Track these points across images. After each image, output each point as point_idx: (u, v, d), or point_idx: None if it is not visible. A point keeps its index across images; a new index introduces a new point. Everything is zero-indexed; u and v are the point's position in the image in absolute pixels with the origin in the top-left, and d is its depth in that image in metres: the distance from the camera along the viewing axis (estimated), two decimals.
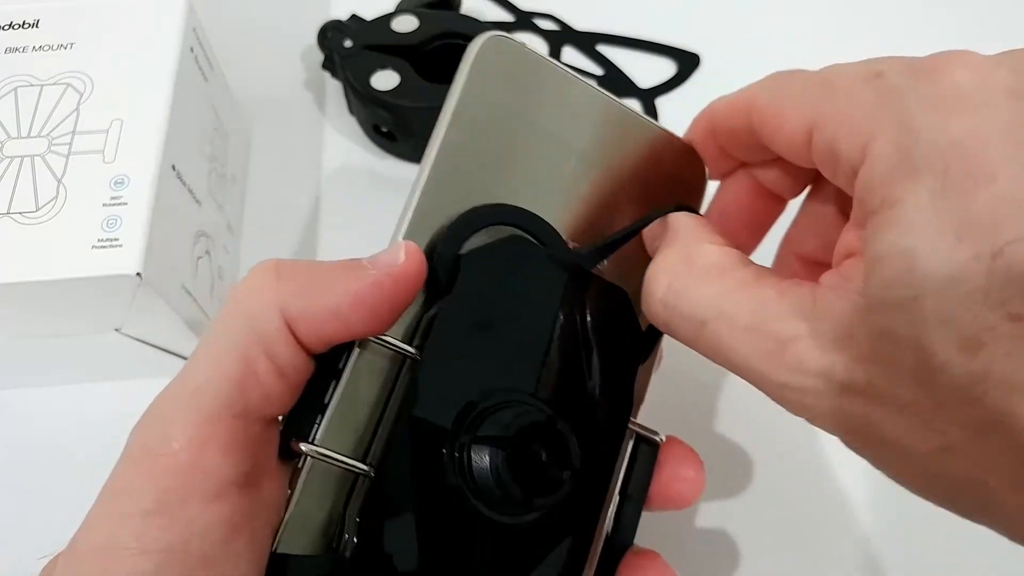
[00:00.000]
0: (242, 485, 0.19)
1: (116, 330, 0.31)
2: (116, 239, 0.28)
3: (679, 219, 0.23)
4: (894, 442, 0.18)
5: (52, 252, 0.28)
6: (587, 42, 0.47)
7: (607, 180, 0.24)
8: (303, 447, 0.20)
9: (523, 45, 0.23)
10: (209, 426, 0.18)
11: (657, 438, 0.24)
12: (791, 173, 0.24)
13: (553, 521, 0.20)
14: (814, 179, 0.25)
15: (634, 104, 0.45)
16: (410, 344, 0.21)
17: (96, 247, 0.28)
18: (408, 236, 0.22)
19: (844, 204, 0.24)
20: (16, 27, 0.33)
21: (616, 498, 0.23)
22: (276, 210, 0.41)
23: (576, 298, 0.22)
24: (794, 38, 0.47)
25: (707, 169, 0.26)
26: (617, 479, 0.23)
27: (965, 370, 0.16)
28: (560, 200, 0.24)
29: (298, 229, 0.41)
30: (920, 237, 0.16)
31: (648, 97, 0.45)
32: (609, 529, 0.23)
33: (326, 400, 0.21)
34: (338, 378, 0.21)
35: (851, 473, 0.34)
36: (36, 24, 0.33)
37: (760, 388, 0.20)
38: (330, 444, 0.20)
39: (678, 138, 0.25)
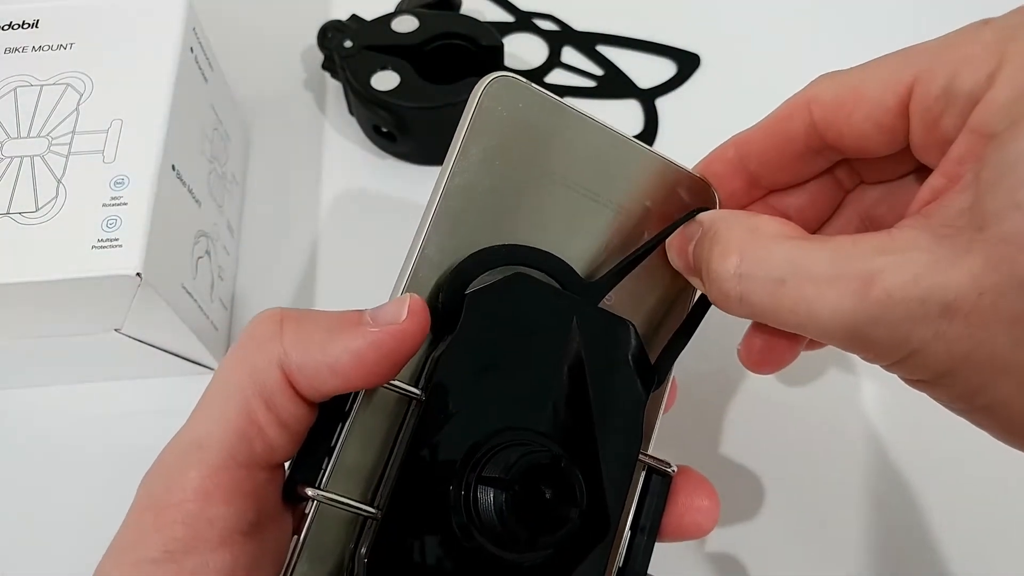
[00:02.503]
0: (247, 532, 0.19)
1: (116, 330, 0.31)
2: (116, 239, 0.28)
3: (717, 213, 0.23)
4: (1001, 358, 0.18)
5: (52, 252, 0.28)
6: (587, 42, 0.47)
7: (618, 216, 0.24)
8: (309, 492, 0.20)
9: (529, 84, 0.24)
10: (214, 476, 0.19)
11: (669, 469, 0.23)
12: (816, 199, 0.25)
13: (562, 557, 0.20)
14: (839, 203, 0.26)
15: (634, 105, 0.45)
16: (417, 384, 0.21)
17: (96, 247, 0.28)
18: (413, 277, 0.22)
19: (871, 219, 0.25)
20: (16, 27, 0.33)
21: (628, 531, 0.23)
22: (276, 210, 0.41)
23: (582, 333, 0.22)
24: (794, 38, 0.47)
25: (719, 200, 0.26)
26: (629, 512, 0.23)
27: None
28: (571, 239, 0.24)
29: (298, 229, 0.41)
30: None
31: (648, 97, 0.45)
32: (621, 562, 0.23)
33: (332, 444, 0.21)
34: (344, 422, 0.21)
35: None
36: (36, 24, 0.33)
37: (846, 339, 0.19)
38: (337, 487, 0.20)
39: (688, 171, 0.25)
